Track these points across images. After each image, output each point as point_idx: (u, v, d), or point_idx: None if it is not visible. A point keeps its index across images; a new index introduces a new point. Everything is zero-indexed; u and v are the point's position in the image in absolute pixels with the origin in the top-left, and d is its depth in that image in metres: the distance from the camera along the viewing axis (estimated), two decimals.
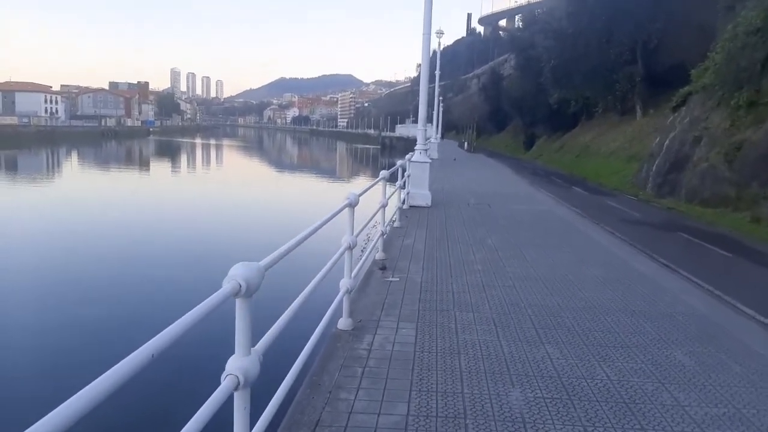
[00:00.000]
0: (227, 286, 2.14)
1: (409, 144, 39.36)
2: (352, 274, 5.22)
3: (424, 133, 14.50)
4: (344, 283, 5.05)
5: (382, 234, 8.28)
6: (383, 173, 8.18)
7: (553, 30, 36.58)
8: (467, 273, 7.51)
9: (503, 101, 69.28)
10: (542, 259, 8.49)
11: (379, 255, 8.16)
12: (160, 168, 58.48)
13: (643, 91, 33.00)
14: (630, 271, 8.03)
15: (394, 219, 11.16)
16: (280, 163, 70.35)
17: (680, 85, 29.10)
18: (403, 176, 13.37)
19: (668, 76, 31.15)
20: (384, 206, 7.96)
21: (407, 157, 13.82)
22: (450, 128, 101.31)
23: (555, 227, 11.59)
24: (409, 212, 13.13)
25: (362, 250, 7.89)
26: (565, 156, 38.65)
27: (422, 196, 14.26)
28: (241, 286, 2.18)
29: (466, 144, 64.35)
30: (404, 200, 13.94)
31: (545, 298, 6.42)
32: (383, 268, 7.58)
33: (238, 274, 2.19)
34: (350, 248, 5.01)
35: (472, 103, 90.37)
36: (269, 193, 35.04)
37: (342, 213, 4.81)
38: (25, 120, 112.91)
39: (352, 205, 5.00)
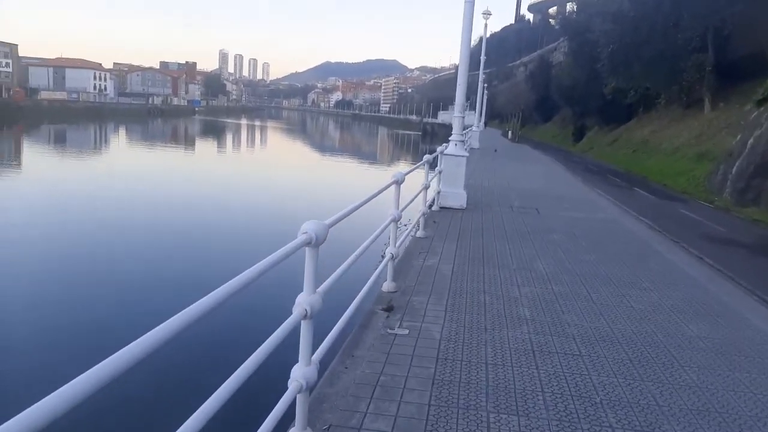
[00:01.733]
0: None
1: (450, 131, 37.44)
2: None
3: (461, 121, 12.10)
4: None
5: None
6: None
7: (613, 13, 33.15)
8: (509, 323, 5.20)
9: (552, 90, 65.76)
10: (615, 301, 6.10)
11: (387, 286, 5.94)
12: (204, 147, 59.08)
13: (712, 82, 29.52)
14: (746, 327, 5.57)
15: (417, 227, 8.89)
16: (323, 147, 70.03)
17: (756, 77, 25.75)
18: (433, 170, 11.12)
19: (743, 66, 27.75)
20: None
21: (439, 149, 11.46)
22: (494, 117, 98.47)
23: (624, 247, 9.10)
24: (438, 215, 10.83)
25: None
26: (620, 151, 35.39)
27: (456, 196, 11.92)
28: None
29: (510, 133, 61.41)
30: (433, 200, 11.64)
31: (632, 384, 4.07)
32: (389, 310, 5.33)
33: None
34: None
35: (518, 91, 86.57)
36: (311, 175, 34.83)
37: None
38: (75, 96, 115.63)
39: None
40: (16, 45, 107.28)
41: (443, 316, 5.29)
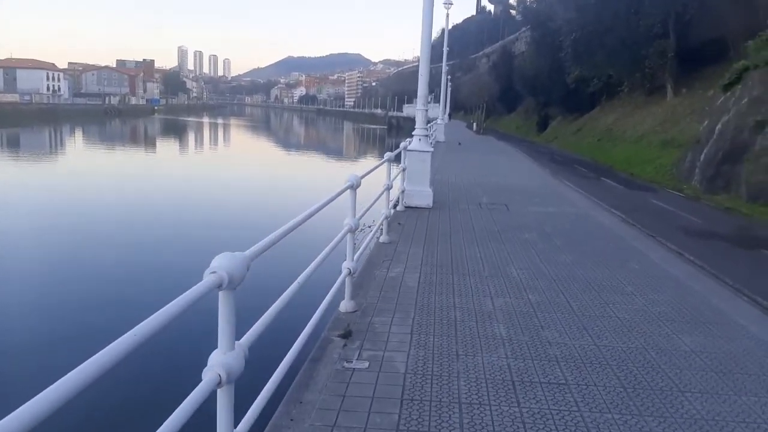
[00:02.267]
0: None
1: (415, 123, 37.12)
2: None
3: (424, 114, 11.45)
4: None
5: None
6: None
7: (575, 1, 32.94)
8: (484, 346, 4.56)
9: (515, 80, 65.66)
10: (598, 310, 5.52)
11: (344, 305, 5.24)
12: (161, 147, 57.17)
13: (674, 69, 29.54)
14: (743, 336, 5.04)
15: (379, 231, 8.21)
16: (287, 143, 69.45)
17: (719, 62, 25.78)
18: (398, 165, 10.50)
19: (705, 52, 27.81)
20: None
21: (402, 144, 10.80)
22: (458, 109, 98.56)
23: (600, 245, 8.58)
24: (403, 216, 10.17)
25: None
26: (585, 139, 35.32)
27: (422, 195, 11.27)
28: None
29: (474, 125, 61.23)
30: (397, 200, 10.99)
31: (629, 420, 3.46)
32: (346, 336, 4.64)
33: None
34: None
35: (481, 82, 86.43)
36: (274, 172, 34.33)
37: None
38: (27, 98, 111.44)
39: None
40: None
41: (409, 340, 4.62)
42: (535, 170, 20.38)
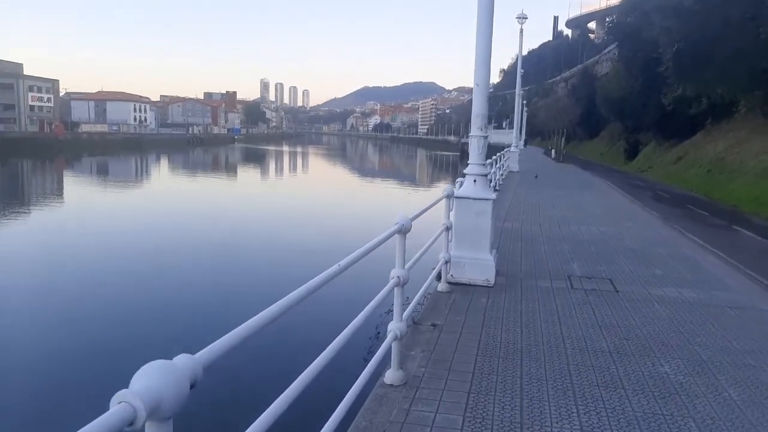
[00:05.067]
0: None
1: (489, 149, 34.17)
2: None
3: (481, 143, 7.45)
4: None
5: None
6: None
7: (673, 7, 27.87)
8: None
9: (598, 103, 60.18)
10: None
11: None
12: (244, 174, 60.43)
13: None
14: None
15: (397, 340, 4.35)
16: (362, 170, 70.33)
17: None
18: (446, 220, 6.82)
19: None
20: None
21: (445, 190, 6.82)
22: (534, 135, 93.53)
23: None
24: (446, 303, 6.25)
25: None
26: (689, 170, 29.80)
27: (477, 266, 7.26)
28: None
29: (553, 152, 56.26)
30: (440, 271, 7.01)
31: None
32: None
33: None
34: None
35: (559, 106, 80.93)
36: (349, 199, 35.66)
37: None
38: (115, 128, 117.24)
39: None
40: (58, 81, 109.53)
41: None
42: (638, 213, 15.69)
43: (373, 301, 3.68)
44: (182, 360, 1.45)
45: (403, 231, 4.14)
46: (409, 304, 5.14)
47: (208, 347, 1.66)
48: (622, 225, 13.01)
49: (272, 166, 76.64)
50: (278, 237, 20.55)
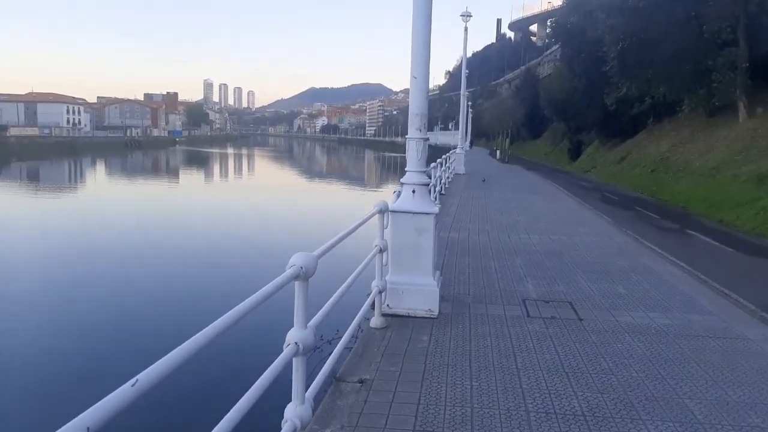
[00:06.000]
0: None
1: (435, 151, 33.88)
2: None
3: (420, 146, 6.28)
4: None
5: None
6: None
7: (618, 6, 27.63)
8: None
9: (541, 104, 60.62)
10: None
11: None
12: (183, 177, 59.33)
13: (746, 84, 24.08)
14: None
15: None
16: (310, 172, 69.95)
17: None
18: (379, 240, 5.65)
19: None
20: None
21: (377, 205, 5.60)
22: (480, 135, 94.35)
23: None
24: (380, 343, 5.05)
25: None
26: (633, 170, 29.70)
27: (418, 293, 6.08)
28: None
29: (498, 152, 56.32)
30: (374, 300, 5.77)
31: None
32: None
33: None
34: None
35: (504, 108, 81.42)
36: (300, 202, 35.53)
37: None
38: (47, 131, 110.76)
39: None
40: None
41: None
42: (589, 218, 14.92)
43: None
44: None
45: (304, 276, 2.94)
46: (323, 365, 3.88)
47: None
48: (574, 232, 12.13)
49: (215, 169, 75.09)
50: (198, 253, 18.45)
